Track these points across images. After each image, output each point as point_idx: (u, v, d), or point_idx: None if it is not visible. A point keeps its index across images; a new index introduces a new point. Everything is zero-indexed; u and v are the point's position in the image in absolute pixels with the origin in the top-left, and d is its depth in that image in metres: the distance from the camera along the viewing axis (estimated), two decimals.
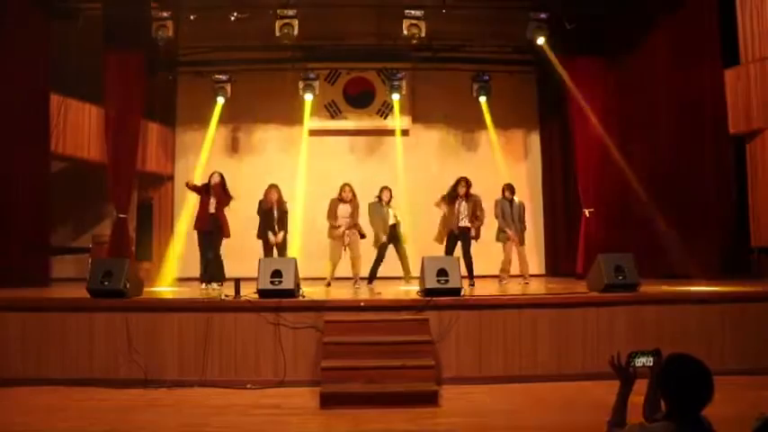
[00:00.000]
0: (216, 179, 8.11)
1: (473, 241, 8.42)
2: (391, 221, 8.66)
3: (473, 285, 8.04)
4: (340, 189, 8.45)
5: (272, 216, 8.48)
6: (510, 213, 8.62)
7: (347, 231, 8.33)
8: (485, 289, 7.42)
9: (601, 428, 2.54)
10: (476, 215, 8.39)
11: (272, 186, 8.63)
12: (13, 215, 8.40)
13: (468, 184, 8.44)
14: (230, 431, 4.37)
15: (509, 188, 8.77)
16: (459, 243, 8.40)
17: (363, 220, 8.61)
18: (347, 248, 8.38)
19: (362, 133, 11.82)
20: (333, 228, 8.36)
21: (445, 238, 8.49)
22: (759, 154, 8.16)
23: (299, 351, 5.67)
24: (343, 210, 8.37)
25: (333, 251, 8.41)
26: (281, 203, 8.59)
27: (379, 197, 8.66)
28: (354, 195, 8.47)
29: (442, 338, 5.70)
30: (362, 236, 8.47)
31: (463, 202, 8.40)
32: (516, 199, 8.75)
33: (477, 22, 10.41)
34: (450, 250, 8.37)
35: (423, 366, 5.29)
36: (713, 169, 8.38)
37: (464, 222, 8.40)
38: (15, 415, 4.69)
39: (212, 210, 8.04)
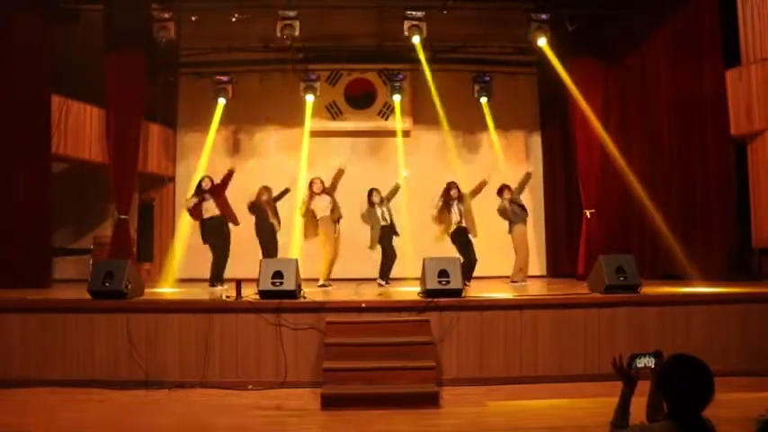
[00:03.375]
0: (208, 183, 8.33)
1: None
2: (382, 223, 8.64)
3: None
4: (310, 183, 8.68)
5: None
6: None
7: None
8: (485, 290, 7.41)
9: (603, 429, 2.54)
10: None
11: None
12: (14, 216, 8.40)
13: (457, 186, 8.70)
14: None
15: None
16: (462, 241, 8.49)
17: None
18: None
19: (363, 134, 11.81)
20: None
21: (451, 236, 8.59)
22: (760, 155, 8.13)
23: (301, 352, 5.67)
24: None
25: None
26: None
27: (370, 200, 8.69)
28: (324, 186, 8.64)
29: (442, 339, 5.70)
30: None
31: (456, 204, 8.59)
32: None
33: (477, 23, 10.39)
34: (463, 244, 8.50)
35: (423, 367, 5.29)
36: (714, 170, 8.36)
37: (464, 223, 8.56)
38: (16, 416, 4.68)
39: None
